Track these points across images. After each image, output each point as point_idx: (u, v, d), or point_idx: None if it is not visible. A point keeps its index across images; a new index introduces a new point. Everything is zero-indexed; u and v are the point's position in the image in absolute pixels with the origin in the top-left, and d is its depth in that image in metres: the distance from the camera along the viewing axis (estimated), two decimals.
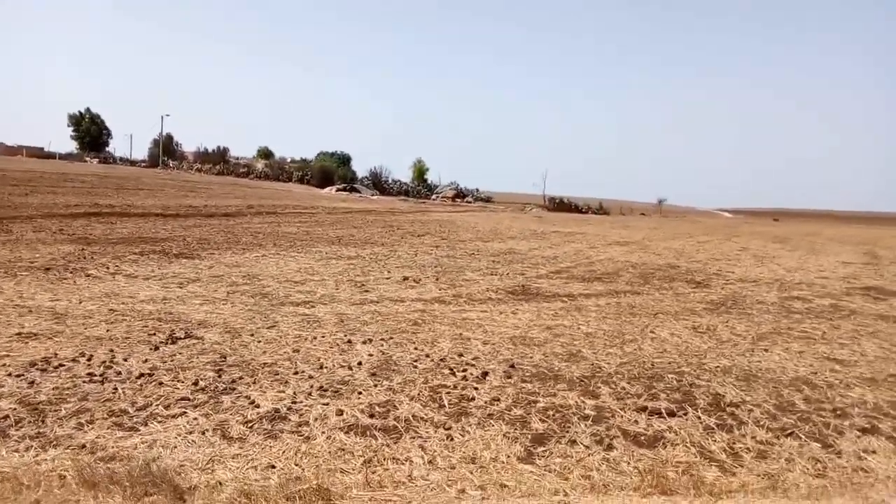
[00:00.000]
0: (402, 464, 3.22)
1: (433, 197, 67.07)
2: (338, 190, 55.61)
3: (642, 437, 3.82)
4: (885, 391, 4.72)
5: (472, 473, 3.16)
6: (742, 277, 11.10)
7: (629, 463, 3.49)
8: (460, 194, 70.13)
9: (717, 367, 5.12)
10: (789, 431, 4.01)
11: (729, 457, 3.64)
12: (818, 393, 4.62)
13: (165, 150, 67.69)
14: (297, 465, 3.15)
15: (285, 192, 41.45)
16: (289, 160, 74.57)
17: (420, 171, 75.04)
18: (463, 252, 12.96)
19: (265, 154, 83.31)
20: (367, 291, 7.76)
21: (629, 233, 24.59)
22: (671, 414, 4.13)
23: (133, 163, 67.82)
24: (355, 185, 56.69)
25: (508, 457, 3.47)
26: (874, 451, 3.83)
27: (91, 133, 79.12)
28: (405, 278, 8.87)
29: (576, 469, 3.27)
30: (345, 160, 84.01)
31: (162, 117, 66.48)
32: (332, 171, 62.27)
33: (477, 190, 73.96)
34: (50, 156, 71.80)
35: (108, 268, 8.54)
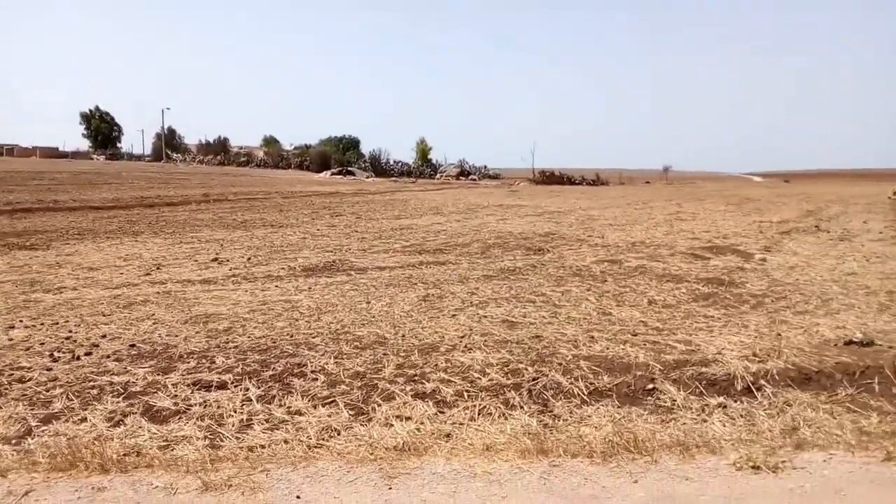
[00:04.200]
0: None
1: (437, 176, 66.82)
2: (333, 174, 55.80)
3: (165, 412, 3.74)
4: (500, 353, 4.54)
5: None
6: (606, 243, 10.82)
7: (129, 439, 3.41)
8: (464, 172, 69.70)
9: (360, 334, 4.99)
10: (331, 400, 3.88)
11: (240, 430, 3.54)
12: (426, 358, 4.46)
13: (168, 143, 68.60)
14: None
15: (268, 179, 41.74)
16: (292, 147, 74.96)
17: (423, 152, 74.76)
18: (343, 231, 12.88)
19: (270, 142, 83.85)
20: (148, 275, 7.76)
21: (584, 202, 24.18)
22: (221, 387, 4.03)
23: (139, 158, 68.97)
24: (350, 169, 56.79)
25: None
26: (408, 418, 3.69)
27: (101, 131, 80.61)
28: (215, 259, 8.84)
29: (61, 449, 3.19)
30: (353, 144, 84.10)
31: (163, 111, 67.44)
32: (329, 155, 62.37)
33: (485, 167, 73.42)
34: (63, 155, 73.48)
35: None
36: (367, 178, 53.81)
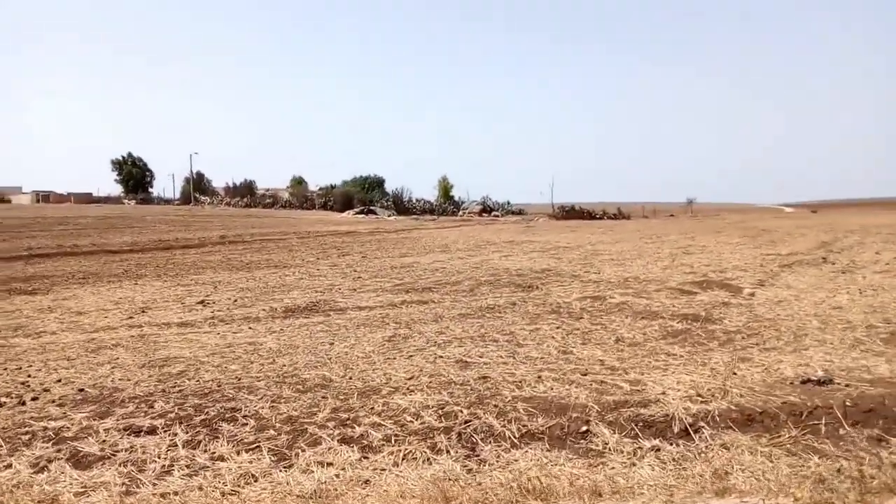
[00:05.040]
0: None
1: (460, 213, 67.12)
2: (355, 213, 56.41)
3: (90, 458, 3.75)
4: (441, 394, 4.48)
5: None
6: (599, 279, 10.70)
7: (48, 486, 3.43)
8: (486, 209, 69.93)
9: (306, 377, 4.98)
10: (255, 446, 3.87)
11: (158, 477, 3.53)
12: (364, 401, 4.42)
13: (196, 186, 70.25)
14: None
15: (290, 221, 42.28)
16: (317, 187, 76.20)
17: (445, 189, 75.37)
18: (342, 271, 12.95)
19: (298, 183, 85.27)
20: (131, 318, 7.86)
21: (597, 237, 24.03)
22: (151, 432, 4.03)
23: (168, 201, 70.67)
24: (372, 208, 57.38)
25: None
26: (330, 464, 3.65)
27: (134, 176, 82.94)
28: (201, 301, 8.94)
29: None
30: (378, 183, 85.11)
31: (191, 156, 69.44)
32: (352, 195, 63.24)
33: (508, 203, 73.61)
34: (96, 200, 75.61)
35: None
36: (390, 216, 54.27)
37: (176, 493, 3.34)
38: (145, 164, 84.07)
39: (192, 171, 73.30)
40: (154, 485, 3.44)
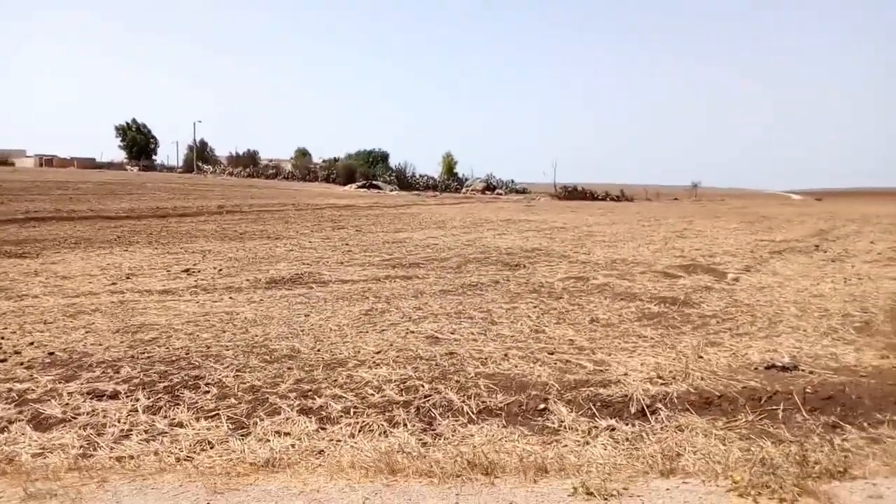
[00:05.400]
0: None
1: (463, 190, 66.87)
2: (358, 187, 56.27)
3: (51, 420, 3.79)
4: (406, 369, 4.50)
5: None
6: (588, 260, 10.69)
7: (6, 446, 3.47)
8: (490, 187, 69.63)
9: (275, 348, 5.01)
10: (215, 413, 3.90)
11: (116, 440, 3.57)
12: (328, 374, 4.45)
13: (199, 155, 70.08)
14: None
15: (290, 192, 42.21)
16: (321, 160, 75.91)
17: (449, 165, 74.99)
18: (333, 244, 12.96)
19: (302, 154, 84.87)
20: (114, 284, 7.89)
21: (595, 218, 23.97)
22: (114, 396, 4.07)
23: (171, 169, 70.58)
24: (375, 182, 57.24)
25: None
26: (287, 433, 3.69)
27: (137, 142, 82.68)
28: (187, 270, 8.97)
29: None
30: (382, 157, 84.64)
31: (194, 124, 69.08)
32: (355, 169, 63.06)
33: (512, 182, 73.18)
34: (99, 166, 75.45)
35: None
36: (392, 191, 54.16)
37: (132, 457, 3.37)
38: (149, 131, 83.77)
39: (195, 139, 73.13)
40: (111, 448, 3.47)
